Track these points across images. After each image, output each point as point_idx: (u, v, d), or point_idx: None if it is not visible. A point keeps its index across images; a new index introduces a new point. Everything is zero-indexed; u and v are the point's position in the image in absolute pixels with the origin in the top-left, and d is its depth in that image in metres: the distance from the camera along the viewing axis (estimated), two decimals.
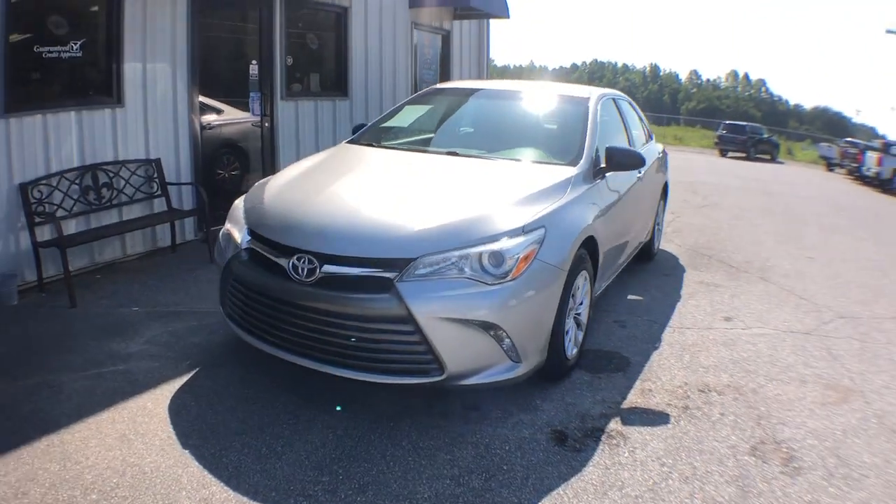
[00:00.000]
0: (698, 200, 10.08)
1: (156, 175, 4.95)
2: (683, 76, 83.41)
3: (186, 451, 2.54)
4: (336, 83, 7.35)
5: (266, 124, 6.33)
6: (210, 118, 5.97)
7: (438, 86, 5.17)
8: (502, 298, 2.68)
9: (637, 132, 5.21)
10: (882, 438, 2.94)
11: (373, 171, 3.66)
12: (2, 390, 2.94)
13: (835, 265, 6.26)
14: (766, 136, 25.52)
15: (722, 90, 77.01)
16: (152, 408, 2.88)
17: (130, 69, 4.65)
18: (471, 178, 3.46)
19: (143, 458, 2.49)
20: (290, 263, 2.79)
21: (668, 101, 73.55)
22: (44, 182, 4.09)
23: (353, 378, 2.76)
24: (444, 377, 2.67)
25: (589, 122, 3.94)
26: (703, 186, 12.00)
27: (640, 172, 4.42)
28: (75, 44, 4.25)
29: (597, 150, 3.80)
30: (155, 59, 4.83)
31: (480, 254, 2.71)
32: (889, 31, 22.88)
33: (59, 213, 4.15)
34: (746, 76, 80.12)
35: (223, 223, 3.45)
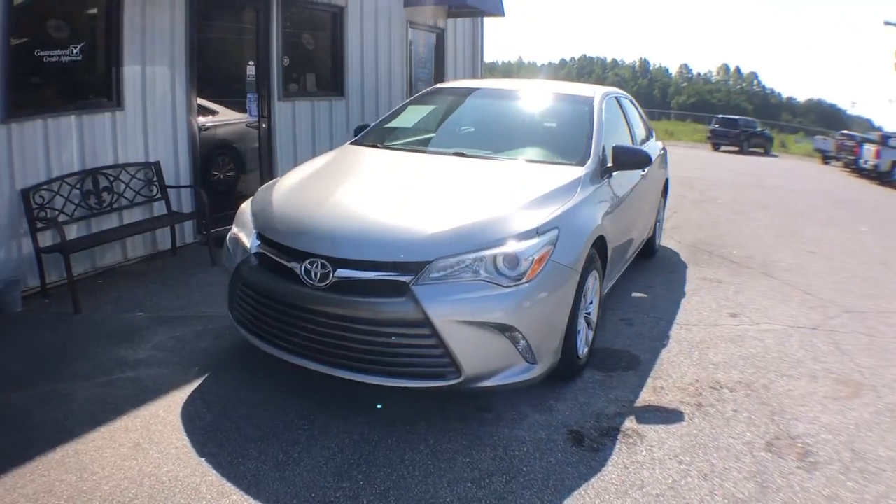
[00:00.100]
0: (695, 196, 10.12)
1: (155, 178, 4.90)
2: (674, 70, 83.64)
3: (203, 460, 2.52)
4: (332, 83, 7.31)
5: (263, 125, 6.29)
6: (207, 120, 5.92)
7: (441, 85, 5.15)
8: (518, 300, 2.67)
9: (639, 130, 5.22)
10: None
11: (381, 173, 3.64)
12: (13, 399, 2.91)
13: (837, 259, 6.29)
14: (759, 129, 25.55)
15: (713, 84, 77.20)
16: (165, 415, 2.85)
17: (130, 72, 4.60)
18: (480, 178, 3.45)
19: (159, 467, 2.47)
20: (303, 268, 2.76)
21: (658, 95, 73.75)
22: (45, 187, 4.04)
23: (369, 382, 2.74)
24: (460, 380, 2.66)
25: (595, 122, 3.94)
26: (698, 181, 12.04)
27: (643, 170, 4.43)
28: (75, 47, 4.20)
29: (603, 150, 3.79)
30: (154, 62, 4.78)
31: (495, 256, 2.70)
32: (888, 23, 22.96)
33: (61, 218, 4.10)
34: (738, 69, 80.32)
35: (222, 226, 3.41)
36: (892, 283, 5.52)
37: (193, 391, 3.08)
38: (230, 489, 2.34)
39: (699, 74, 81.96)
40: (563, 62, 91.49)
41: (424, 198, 3.16)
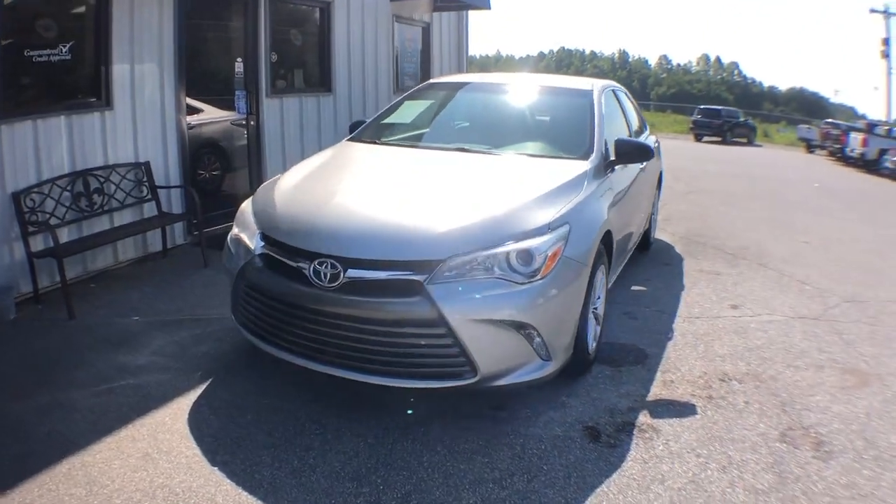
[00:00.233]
0: (682, 187, 10.19)
1: (145, 179, 4.78)
2: (653, 62, 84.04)
3: (216, 469, 2.45)
4: (320, 79, 7.21)
5: (252, 122, 6.18)
6: (192, 118, 5.79)
7: (436, 80, 5.09)
8: (533, 297, 2.64)
9: (634, 123, 5.22)
10: None
11: (385, 170, 3.57)
12: (13, 411, 2.81)
13: (831, 249, 6.36)
14: (742, 119, 25.64)
15: (693, 74, 77.59)
16: (171, 423, 2.77)
17: (119, 71, 4.48)
18: (486, 174, 3.41)
19: (171, 477, 2.40)
20: (311, 268, 2.70)
21: (637, 87, 74.08)
22: (36, 190, 3.91)
23: (382, 384, 2.70)
24: (476, 379, 2.63)
25: (595, 115, 3.92)
26: (684, 173, 12.13)
27: (642, 163, 4.43)
28: (64, 46, 4.06)
29: (605, 143, 3.77)
30: (143, 60, 4.66)
31: (508, 253, 2.66)
32: (873, 11, 23.28)
33: (52, 221, 3.97)
34: (718, 59, 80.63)
35: (211, 226, 3.33)
36: (888, 272, 5.60)
37: (199, 397, 3.00)
38: (247, 498, 2.28)
39: (679, 65, 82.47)
40: (541, 55, 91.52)
41: (432, 195, 3.11)
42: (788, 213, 8.44)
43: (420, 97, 4.65)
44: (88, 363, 3.29)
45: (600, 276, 3.31)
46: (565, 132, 3.94)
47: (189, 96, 5.54)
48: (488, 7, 10.27)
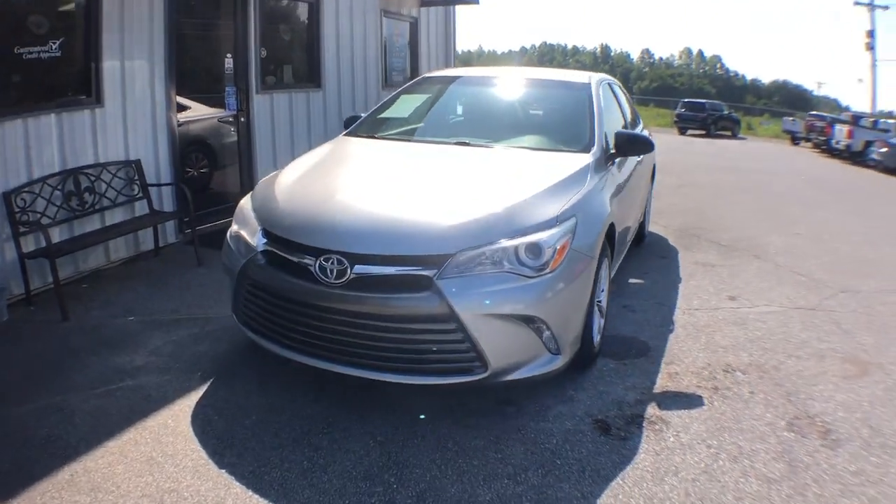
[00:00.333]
0: (672, 180, 10.23)
1: (136, 177, 4.68)
2: (635, 56, 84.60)
3: (223, 471, 2.40)
4: (309, 74, 7.13)
5: (242, 119, 6.09)
6: (182, 116, 5.69)
7: (432, 74, 5.05)
8: (543, 291, 2.62)
9: (628, 116, 5.22)
10: None
11: (388, 165, 3.53)
12: (10, 415, 2.73)
13: (823, 240, 6.42)
14: (726, 112, 25.84)
15: (675, 68, 78.12)
16: (174, 425, 2.71)
17: (109, 67, 4.38)
18: (490, 168, 3.38)
19: (178, 482, 2.34)
20: (317, 265, 2.65)
21: (620, 81, 74.38)
22: (27, 189, 3.81)
23: (392, 381, 2.66)
24: (487, 374, 2.60)
25: (595, 108, 3.91)
26: (672, 166, 12.18)
27: (639, 156, 4.43)
28: (54, 43, 3.95)
29: (606, 136, 3.76)
30: (133, 56, 4.56)
31: (517, 246, 2.63)
32: (857, 3, 23.55)
33: (44, 220, 3.87)
34: (701, 53, 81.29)
35: (204, 224, 3.26)
36: (881, 262, 5.66)
37: (201, 398, 2.94)
38: (259, 501, 2.23)
39: (661, 59, 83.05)
40: (523, 50, 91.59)
41: (438, 189, 3.07)
42: (778, 205, 8.52)
43: (416, 91, 4.61)
44: (85, 365, 3.21)
45: (604, 268, 3.30)
46: (565, 125, 3.93)
47: (186, 93, 5.44)
48: (476, 1, 10.23)
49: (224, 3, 5.81)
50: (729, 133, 24.90)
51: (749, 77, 77.63)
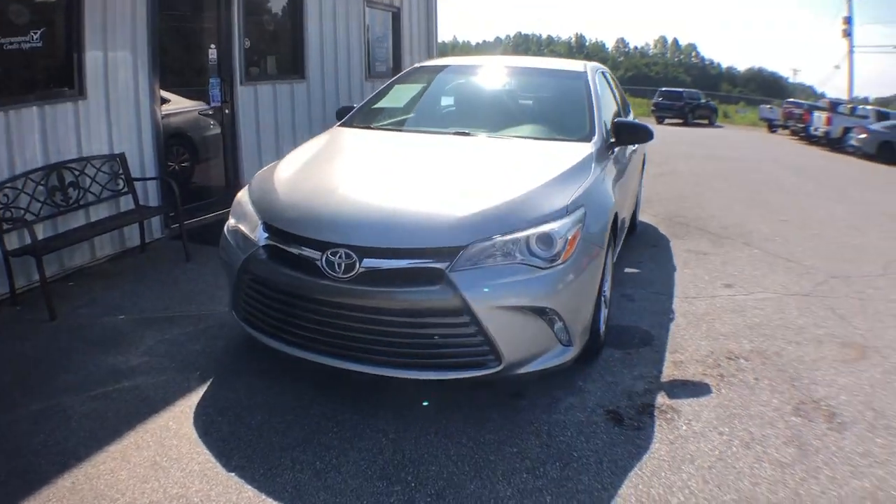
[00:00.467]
0: (653, 169, 10.24)
1: (121, 171, 4.52)
2: (610, 45, 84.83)
3: (233, 475, 2.32)
4: (293, 65, 6.98)
5: (226, 111, 5.93)
6: (166, 108, 5.52)
7: (425, 63, 4.97)
8: (555, 282, 2.58)
9: (620, 104, 5.21)
10: None
11: (389, 156, 3.45)
12: (3, 421, 2.61)
13: (810, 226, 6.52)
14: (703, 101, 26.14)
15: (650, 57, 78.55)
16: (177, 427, 2.62)
17: (92, 58, 4.20)
18: (493, 158, 3.33)
19: (186, 486, 2.26)
20: (324, 259, 2.58)
21: None
22: (9, 185, 3.64)
23: (403, 377, 2.61)
24: (500, 368, 2.56)
25: (593, 97, 3.87)
26: (652, 154, 12.08)
27: (636, 145, 4.43)
28: (35, 33, 3.78)
29: (605, 125, 3.74)
30: (116, 47, 4.39)
31: (528, 237, 2.59)
32: None
33: (28, 217, 3.71)
34: (676, 41, 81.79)
35: (191, 219, 3.14)
36: (867, 247, 5.76)
37: (201, 398, 2.85)
38: None
39: (636, 48, 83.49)
40: (498, 40, 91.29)
41: (443, 180, 3.01)
42: (762, 192, 8.63)
43: (410, 81, 4.53)
44: (78, 366, 3.09)
45: (609, 258, 3.28)
46: (564, 114, 3.89)
47: (169, 85, 5.27)
48: None
49: None
50: (706, 121, 25.19)
51: (724, 65, 78.33)
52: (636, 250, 5.27)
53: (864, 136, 15.23)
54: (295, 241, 2.70)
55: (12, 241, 3.67)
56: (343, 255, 2.54)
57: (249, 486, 2.26)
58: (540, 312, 2.58)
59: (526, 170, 3.07)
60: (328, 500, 2.19)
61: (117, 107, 4.50)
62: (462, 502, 2.19)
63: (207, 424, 2.64)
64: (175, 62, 5.73)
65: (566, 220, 2.69)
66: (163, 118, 5.35)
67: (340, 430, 2.60)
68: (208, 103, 5.80)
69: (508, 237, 2.57)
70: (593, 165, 3.25)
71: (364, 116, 4.07)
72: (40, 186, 3.86)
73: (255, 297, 2.85)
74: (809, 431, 2.69)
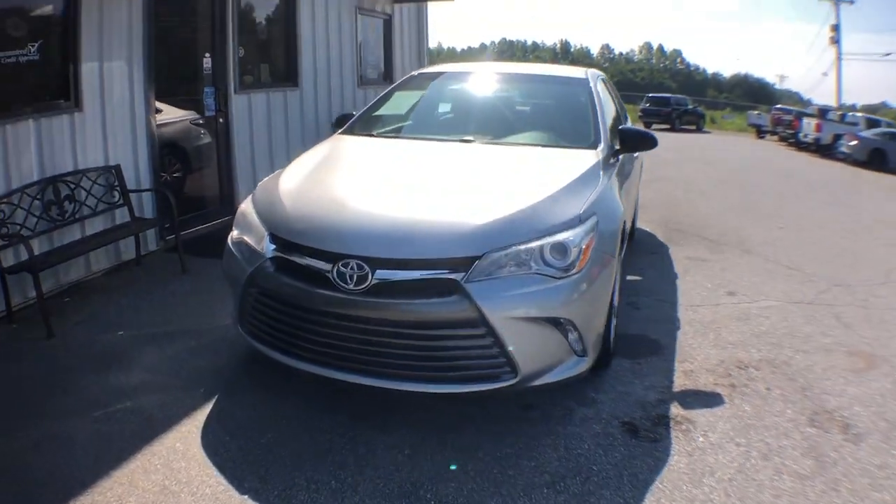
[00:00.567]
0: (644, 175, 10.26)
1: (116, 183, 4.44)
2: (595, 51, 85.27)
3: (247, 497, 2.26)
4: (286, 73, 6.94)
5: (221, 119, 5.86)
6: (162, 117, 5.44)
7: (424, 70, 4.95)
8: (571, 292, 2.55)
9: (620, 111, 5.22)
10: None
11: (395, 164, 3.41)
12: (4, 448, 2.51)
13: (807, 233, 6.56)
14: (690, 107, 26.34)
15: (636, 63, 78.98)
16: (185, 449, 2.54)
17: (88, 70, 4.14)
18: (500, 166, 3.30)
19: None
20: (336, 271, 2.52)
21: None
22: (5, 200, 3.55)
23: (419, 391, 2.56)
24: (516, 380, 2.52)
25: (597, 104, 3.87)
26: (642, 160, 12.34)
27: (639, 152, 4.43)
28: (33, 46, 3.71)
29: (609, 132, 3.73)
30: (112, 59, 4.33)
31: (543, 247, 2.56)
32: None
33: (24, 232, 3.62)
34: (661, 47, 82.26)
35: (186, 230, 3.05)
36: (866, 254, 5.81)
37: (208, 417, 2.78)
38: None
39: (621, 54, 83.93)
40: (483, 46, 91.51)
41: (453, 188, 2.98)
42: (755, 198, 8.69)
43: (410, 88, 4.50)
44: (78, 387, 3.00)
45: (618, 266, 3.26)
46: (569, 121, 3.88)
47: (164, 95, 5.19)
48: None
49: (201, 1, 5.58)
50: (694, 127, 25.35)
51: (710, 71, 78.87)
52: (636, 257, 5.27)
53: (854, 143, 15.43)
54: (305, 252, 2.64)
55: (8, 258, 3.58)
56: (355, 267, 2.49)
57: None
58: (555, 323, 2.55)
59: (536, 178, 3.04)
60: None
61: (113, 118, 4.42)
62: None
63: (216, 444, 2.57)
64: (169, 72, 5.66)
65: (579, 229, 2.66)
66: (166, 126, 5.28)
67: (354, 447, 2.55)
68: (202, 112, 5.74)
69: (523, 247, 2.54)
70: (601, 173, 3.23)
71: (365, 124, 4.03)
72: (36, 201, 3.77)
73: (262, 311, 2.79)
74: (826, 443, 2.68)
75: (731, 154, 15.85)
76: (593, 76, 4.34)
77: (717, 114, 32.50)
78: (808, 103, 26.90)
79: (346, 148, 3.69)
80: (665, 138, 21.27)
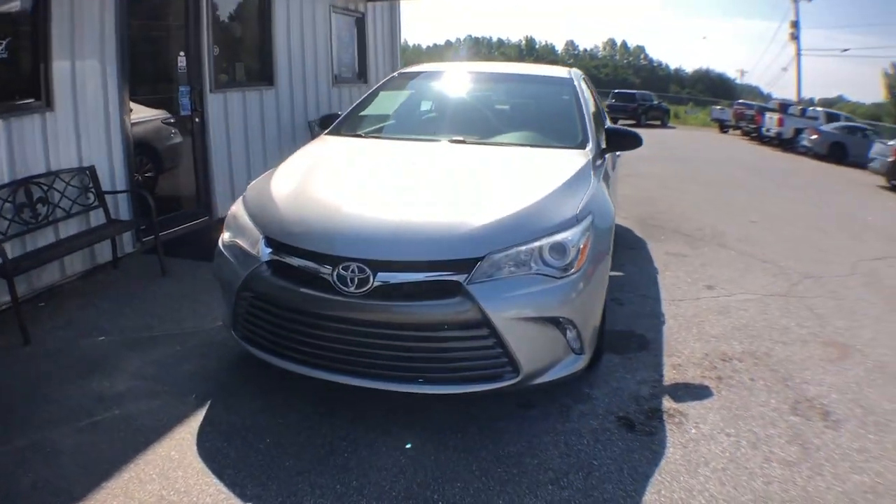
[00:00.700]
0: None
1: (91, 184, 4.30)
2: (560, 47, 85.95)
3: None
4: (261, 72, 6.83)
5: (196, 119, 5.73)
6: (135, 117, 5.28)
7: (407, 69, 4.92)
8: (570, 291, 2.58)
9: (599, 109, 5.29)
10: (891, 386, 3.23)
11: (391, 165, 3.38)
12: None
13: (778, 227, 6.78)
14: (656, 102, 26.86)
15: (600, 59, 79.74)
16: (180, 457, 2.48)
17: (59, 69, 3.99)
18: (493, 166, 3.30)
19: None
20: (336, 274, 2.50)
21: None
22: None
23: (422, 393, 2.56)
24: (518, 380, 2.54)
25: (583, 103, 3.92)
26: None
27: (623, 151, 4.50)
28: (1, 43, 3.54)
29: (595, 131, 3.78)
30: (84, 56, 4.17)
31: (542, 247, 2.59)
32: None
33: None
34: (624, 44, 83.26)
35: (162, 231, 2.96)
36: (834, 247, 6.04)
37: (202, 424, 2.71)
38: None
39: (585, 50, 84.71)
40: (448, 43, 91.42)
41: (449, 189, 2.97)
42: (726, 193, 8.93)
43: (395, 88, 4.47)
44: (60, 395, 2.90)
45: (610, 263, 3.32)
46: (556, 121, 3.91)
47: (138, 94, 5.04)
48: None
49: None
50: (659, 122, 25.83)
51: (672, 66, 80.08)
52: (617, 253, 5.28)
53: (815, 136, 15.97)
54: (302, 255, 2.61)
55: None
56: (356, 270, 2.47)
57: None
58: (555, 322, 2.58)
59: (531, 178, 3.07)
60: None
61: (86, 118, 4.27)
62: None
63: (213, 451, 2.52)
64: (144, 71, 5.50)
65: (577, 229, 2.69)
66: (141, 125, 5.12)
67: (355, 449, 2.53)
68: (176, 112, 5.60)
69: (523, 247, 2.55)
70: (592, 173, 3.28)
71: (352, 124, 3.99)
72: (7, 203, 3.62)
73: (258, 315, 2.74)
74: (808, 430, 2.78)
75: (696, 149, 16.24)
76: (576, 76, 4.40)
77: (681, 109, 33.18)
78: (768, 98, 27.73)
79: (336, 149, 3.65)
80: None
